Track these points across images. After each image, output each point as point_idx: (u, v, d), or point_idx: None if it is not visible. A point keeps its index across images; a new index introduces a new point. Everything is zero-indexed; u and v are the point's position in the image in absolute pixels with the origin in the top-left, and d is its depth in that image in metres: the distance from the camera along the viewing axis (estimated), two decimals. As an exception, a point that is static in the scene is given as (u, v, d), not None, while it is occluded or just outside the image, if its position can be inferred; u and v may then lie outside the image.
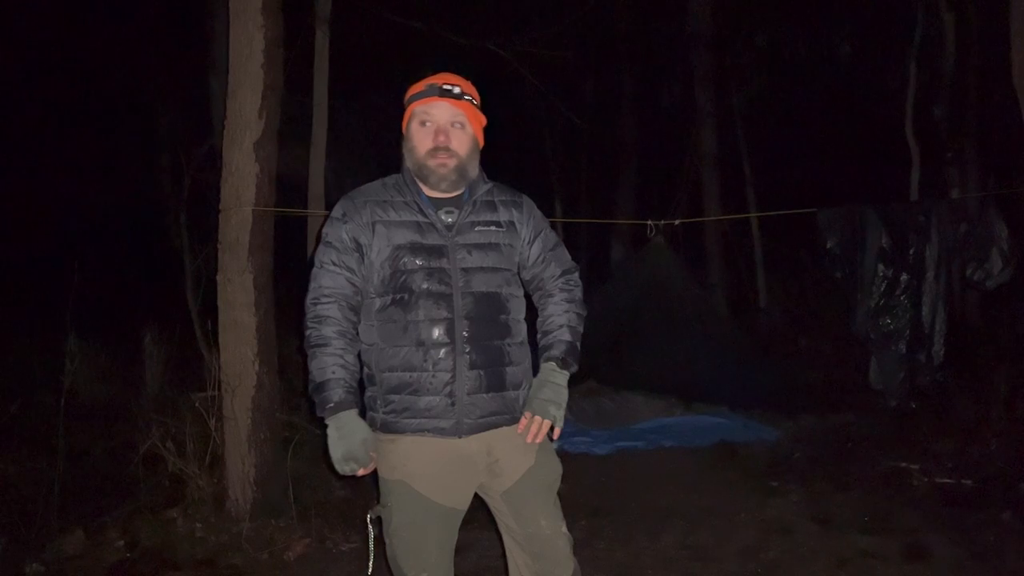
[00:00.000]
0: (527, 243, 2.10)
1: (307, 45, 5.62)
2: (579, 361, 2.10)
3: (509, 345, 2.02)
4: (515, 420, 2.02)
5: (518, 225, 2.08)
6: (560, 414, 2.03)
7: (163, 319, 6.27)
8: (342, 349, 1.95)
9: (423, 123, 2.00)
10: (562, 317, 2.10)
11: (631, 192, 11.43)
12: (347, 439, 1.92)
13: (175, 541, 3.63)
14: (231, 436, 3.76)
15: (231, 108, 3.78)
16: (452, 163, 1.97)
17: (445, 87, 1.98)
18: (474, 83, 2.06)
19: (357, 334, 2.00)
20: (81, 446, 4.74)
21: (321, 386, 1.93)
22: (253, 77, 3.73)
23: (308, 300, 1.99)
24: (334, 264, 1.98)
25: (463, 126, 2.00)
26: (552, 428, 2.03)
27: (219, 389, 3.81)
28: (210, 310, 4.10)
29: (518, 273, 2.11)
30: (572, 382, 2.11)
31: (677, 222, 5.58)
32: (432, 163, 1.97)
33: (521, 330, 2.07)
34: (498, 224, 2.04)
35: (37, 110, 10.47)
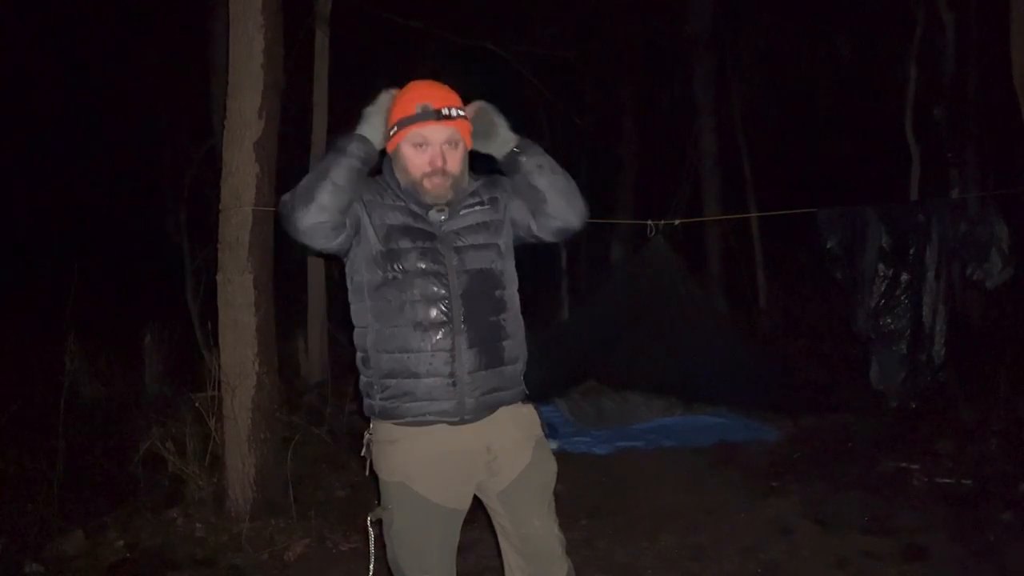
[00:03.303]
0: (511, 200, 2.07)
1: (307, 45, 5.62)
2: (542, 157, 2.02)
3: (504, 320, 2.02)
4: (515, 395, 2.04)
5: (500, 196, 2.08)
6: (501, 121, 2.01)
7: (163, 319, 6.28)
8: None
9: (417, 145, 1.96)
10: None
11: (631, 192, 11.41)
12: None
13: (175, 541, 3.64)
14: (231, 436, 3.77)
15: (231, 108, 3.79)
16: (448, 183, 1.97)
17: (443, 112, 1.94)
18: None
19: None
20: (81, 446, 4.74)
21: (338, 140, 1.95)
22: (253, 77, 3.74)
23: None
24: None
25: (457, 144, 1.99)
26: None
27: (219, 389, 3.81)
28: (210, 310, 4.10)
29: (529, 227, 2.06)
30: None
31: (677, 222, 5.55)
32: (428, 184, 1.96)
33: (515, 303, 2.07)
34: (482, 202, 2.05)
35: (37, 110, 10.47)
